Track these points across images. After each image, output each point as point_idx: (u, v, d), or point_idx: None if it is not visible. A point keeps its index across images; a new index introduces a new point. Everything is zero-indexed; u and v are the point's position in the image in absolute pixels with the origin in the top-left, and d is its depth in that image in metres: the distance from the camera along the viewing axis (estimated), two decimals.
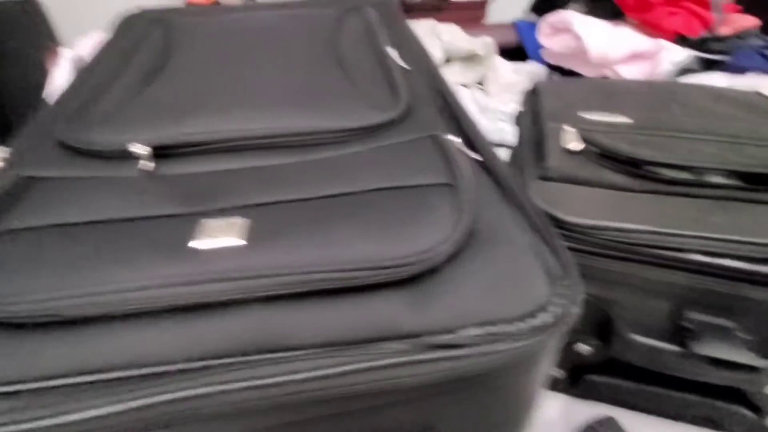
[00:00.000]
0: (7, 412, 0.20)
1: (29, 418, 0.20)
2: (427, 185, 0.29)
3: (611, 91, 0.49)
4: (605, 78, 0.85)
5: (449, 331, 0.23)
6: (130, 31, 0.57)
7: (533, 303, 0.25)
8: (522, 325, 0.24)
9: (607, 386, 0.38)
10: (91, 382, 0.21)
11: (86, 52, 0.74)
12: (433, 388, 0.24)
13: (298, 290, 0.23)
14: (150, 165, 0.32)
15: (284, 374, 0.22)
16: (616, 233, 0.32)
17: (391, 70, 0.45)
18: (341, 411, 0.24)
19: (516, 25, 1.26)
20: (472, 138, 0.38)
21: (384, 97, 0.41)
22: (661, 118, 0.43)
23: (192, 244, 0.24)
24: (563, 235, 0.33)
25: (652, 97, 0.47)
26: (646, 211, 0.34)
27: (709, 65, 0.75)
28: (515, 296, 0.25)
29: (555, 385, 0.40)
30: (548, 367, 0.29)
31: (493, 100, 0.90)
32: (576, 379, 0.38)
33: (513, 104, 0.78)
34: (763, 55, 0.66)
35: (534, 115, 0.48)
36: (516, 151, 0.47)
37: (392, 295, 0.24)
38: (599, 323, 0.35)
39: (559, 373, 0.39)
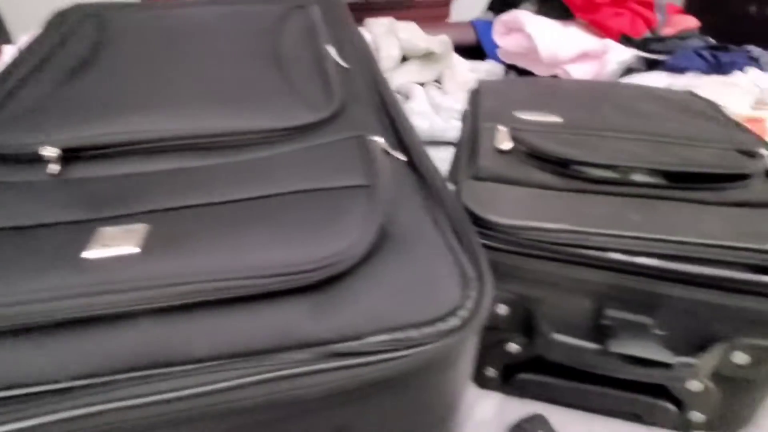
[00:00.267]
0: None
1: None
2: (345, 187, 0.29)
3: (548, 92, 0.50)
4: (554, 77, 0.86)
5: (355, 338, 0.23)
6: (61, 26, 0.54)
7: (444, 307, 0.24)
8: (430, 330, 0.23)
9: (538, 384, 0.38)
10: None
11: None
12: (342, 395, 0.24)
13: (194, 300, 0.22)
14: (56, 168, 0.31)
15: (178, 389, 0.21)
16: (538, 233, 0.32)
17: (327, 70, 0.44)
18: (244, 423, 0.23)
19: (473, 24, 1.27)
20: (403, 138, 0.37)
21: (317, 96, 0.40)
22: (591, 117, 0.44)
23: (85, 254, 0.23)
24: (488, 235, 0.33)
25: (586, 97, 0.48)
26: (570, 210, 0.34)
27: (651, 65, 0.77)
28: (426, 300, 0.24)
29: (488, 384, 0.40)
30: (466, 366, 0.29)
31: (448, 98, 0.91)
32: (508, 378, 0.39)
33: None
34: (701, 56, 0.68)
35: (473, 115, 0.48)
36: (456, 150, 0.47)
37: (296, 302, 0.23)
38: (526, 322, 0.35)
39: (491, 372, 0.39)
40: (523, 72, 0.95)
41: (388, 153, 0.33)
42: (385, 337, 0.23)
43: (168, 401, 0.21)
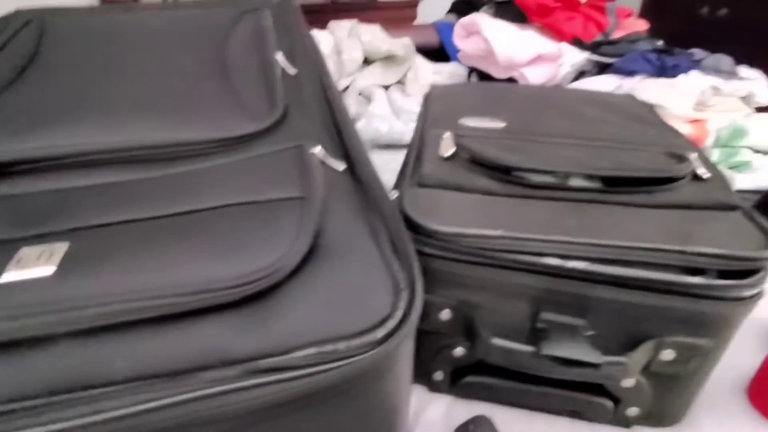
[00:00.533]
0: None
1: None
2: (278, 200, 0.29)
3: (496, 97, 0.51)
4: (511, 80, 0.88)
5: (283, 353, 0.23)
6: (0, 33, 0.52)
7: (373, 318, 0.25)
8: (358, 342, 0.24)
9: (483, 386, 0.39)
10: None
11: None
12: (274, 409, 0.24)
13: (112, 321, 0.21)
14: None
15: (99, 412, 0.21)
16: (476, 240, 0.33)
17: (272, 78, 0.44)
18: None
19: (436, 27, 1.28)
20: (348, 146, 0.37)
21: (260, 105, 0.40)
22: (534, 123, 0.45)
23: (2, 277, 0.22)
24: (428, 243, 0.33)
25: (531, 103, 0.49)
26: (509, 215, 0.35)
27: (603, 68, 0.79)
28: (355, 312, 0.25)
29: (437, 387, 0.40)
30: (405, 372, 0.29)
31: (409, 101, 0.91)
32: (456, 381, 0.39)
33: None
34: (647, 59, 0.71)
35: (422, 121, 0.49)
36: (405, 156, 0.47)
37: (223, 318, 0.23)
38: (467, 327, 0.36)
39: (439, 376, 0.40)
40: (484, 74, 0.97)
41: (325, 163, 0.33)
42: (312, 351, 0.23)
43: (89, 425, 0.21)
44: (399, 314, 0.25)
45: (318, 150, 0.34)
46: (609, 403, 0.37)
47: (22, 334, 0.21)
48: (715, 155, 0.67)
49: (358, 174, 0.35)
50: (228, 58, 0.48)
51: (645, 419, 0.38)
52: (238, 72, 0.45)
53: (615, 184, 0.38)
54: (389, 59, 1.04)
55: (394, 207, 0.32)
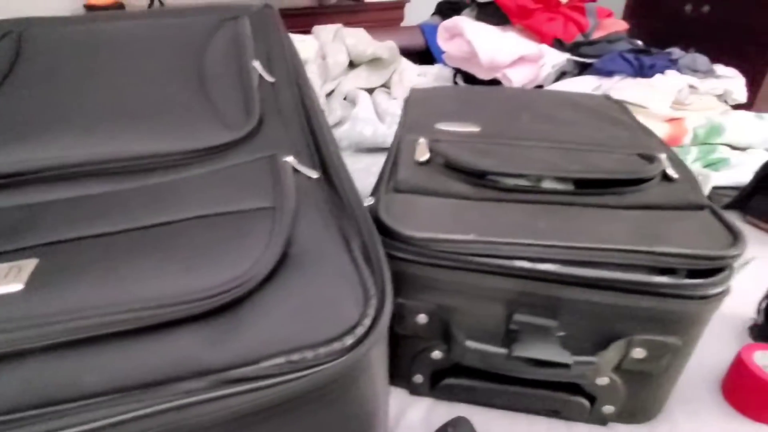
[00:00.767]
0: None
1: None
2: (249, 210, 0.29)
3: (471, 100, 0.52)
4: (495, 81, 0.89)
5: (252, 363, 0.23)
6: None
7: (341, 326, 0.25)
8: (326, 350, 0.24)
9: (463, 387, 0.39)
10: None
11: None
12: (245, 419, 0.24)
13: (81, 336, 0.22)
14: None
15: (68, 427, 0.21)
16: (449, 244, 0.33)
17: (249, 87, 0.44)
18: None
19: (421, 28, 1.29)
20: (323, 153, 0.38)
21: (236, 115, 0.40)
22: (509, 126, 0.45)
23: None
24: (403, 248, 0.34)
25: (506, 105, 0.50)
26: (482, 219, 0.35)
27: (583, 68, 0.80)
28: (323, 321, 0.25)
29: (418, 390, 0.41)
30: (378, 377, 0.30)
31: (394, 104, 0.92)
32: (436, 383, 0.40)
33: None
34: (626, 59, 0.72)
35: (400, 126, 0.49)
36: (384, 162, 0.47)
37: (192, 330, 0.23)
38: (444, 330, 0.36)
39: (419, 379, 0.40)
40: (469, 75, 0.98)
41: (298, 171, 0.34)
42: (281, 360, 0.24)
43: None
44: (368, 321, 0.25)
45: (291, 159, 0.34)
46: (585, 402, 0.37)
47: None
48: (693, 153, 0.68)
49: (333, 181, 0.35)
50: (206, 66, 0.48)
51: (621, 416, 0.38)
52: (215, 81, 0.46)
53: (586, 186, 0.38)
54: (374, 62, 1.04)
55: (367, 214, 0.32)
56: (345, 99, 0.96)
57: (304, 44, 1.06)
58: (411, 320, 0.36)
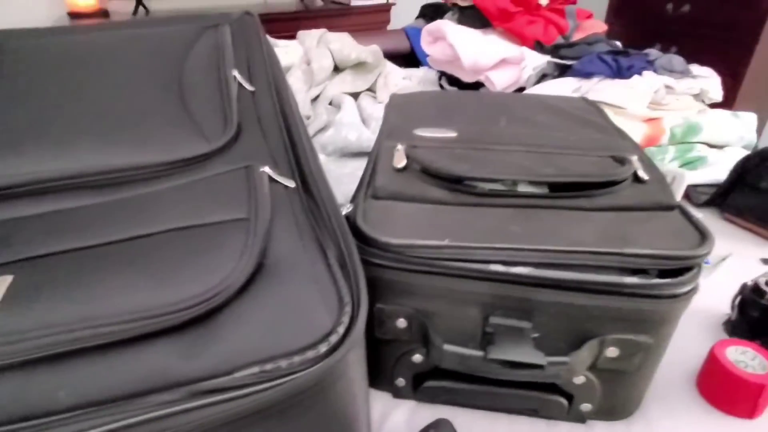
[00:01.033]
0: None
1: None
2: (224, 222, 0.30)
3: (449, 105, 0.52)
4: (478, 83, 0.90)
5: (226, 373, 0.24)
6: None
7: (316, 334, 0.25)
8: (300, 359, 0.25)
9: (444, 389, 0.40)
10: None
11: None
12: (222, 429, 0.25)
13: (54, 352, 0.22)
14: None
15: None
16: (425, 250, 0.34)
17: (228, 97, 0.45)
18: None
19: (406, 32, 1.30)
20: (301, 161, 0.38)
21: (214, 125, 0.41)
22: (486, 131, 0.46)
23: None
24: (380, 254, 0.34)
25: (484, 110, 0.51)
26: (457, 224, 0.36)
27: (564, 70, 0.81)
28: (297, 329, 0.26)
29: (401, 393, 0.41)
30: (356, 381, 0.30)
31: (378, 108, 0.92)
32: (418, 386, 0.40)
33: None
34: (604, 60, 0.73)
35: (379, 132, 0.50)
36: (365, 168, 0.48)
37: (166, 343, 0.24)
38: (423, 334, 0.37)
39: (401, 382, 0.41)
40: (454, 77, 0.99)
41: (275, 180, 0.34)
42: (254, 370, 0.24)
43: None
44: (342, 329, 0.26)
45: (267, 169, 0.35)
46: (563, 401, 0.38)
47: None
48: (671, 152, 0.69)
49: (310, 189, 0.36)
50: (185, 77, 0.48)
51: (599, 414, 0.39)
52: (193, 91, 0.46)
53: (560, 189, 0.39)
54: (359, 66, 1.05)
55: (344, 221, 0.33)
56: (330, 104, 0.97)
57: (288, 50, 1.06)
58: (390, 325, 0.37)
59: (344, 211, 0.38)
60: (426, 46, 1.02)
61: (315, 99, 0.98)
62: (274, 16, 1.90)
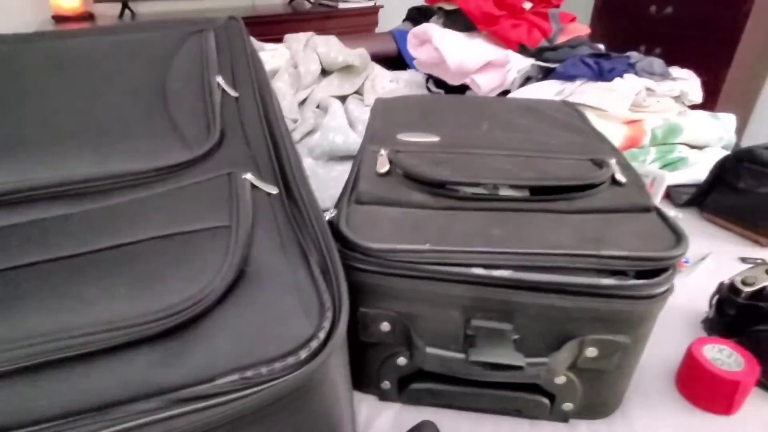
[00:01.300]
0: None
1: None
2: (206, 229, 0.30)
3: (432, 110, 0.53)
4: (464, 86, 0.90)
5: (206, 380, 0.24)
6: None
7: (296, 340, 0.26)
8: (280, 365, 0.25)
9: (428, 391, 0.40)
10: None
11: None
12: None
13: (32, 362, 0.22)
14: None
15: None
16: (406, 254, 0.34)
17: (211, 103, 0.45)
18: None
19: (393, 35, 1.31)
20: (284, 167, 0.39)
21: (197, 132, 0.41)
22: (467, 135, 0.47)
23: None
24: (363, 259, 0.35)
25: (467, 114, 0.51)
26: (439, 229, 0.36)
27: (547, 72, 0.82)
28: (278, 336, 0.26)
29: (386, 396, 0.42)
30: (339, 386, 0.31)
31: (365, 111, 0.93)
32: (403, 388, 0.41)
33: None
34: (586, 63, 0.74)
35: (364, 137, 0.50)
36: (349, 174, 0.48)
37: (144, 352, 0.24)
38: (406, 337, 0.37)
39: (387, 385, 0.41)
40: (441, 79, 0.99)
41: (258, 187, 0.35)
42: (235, 377, 0.24)
43: None
44: (322, 334, 0.26)
45: (249, 176, 0.35)
46: (545, 401, 0.39)
47: None
48: (652, 153, 0.71)
49: (294, 195, 0.36)
50: (168, 83, 0.48)
51: (581, 413, 0.40)
52: (177, 98, 0.46)
53: (540, 193, 0.40)
54: (346, 70, 1.05)
55: (326, 227, 0.33)
56: (318, 107, 0.97)
57: (275, 53, 1.06)
58: (374, 328, 0.37)
59: (328, 216, 0.38)
60: (412, 49, 1.03)
61: (302, 102, 0.98)
62: (263, 19, 1.90)
